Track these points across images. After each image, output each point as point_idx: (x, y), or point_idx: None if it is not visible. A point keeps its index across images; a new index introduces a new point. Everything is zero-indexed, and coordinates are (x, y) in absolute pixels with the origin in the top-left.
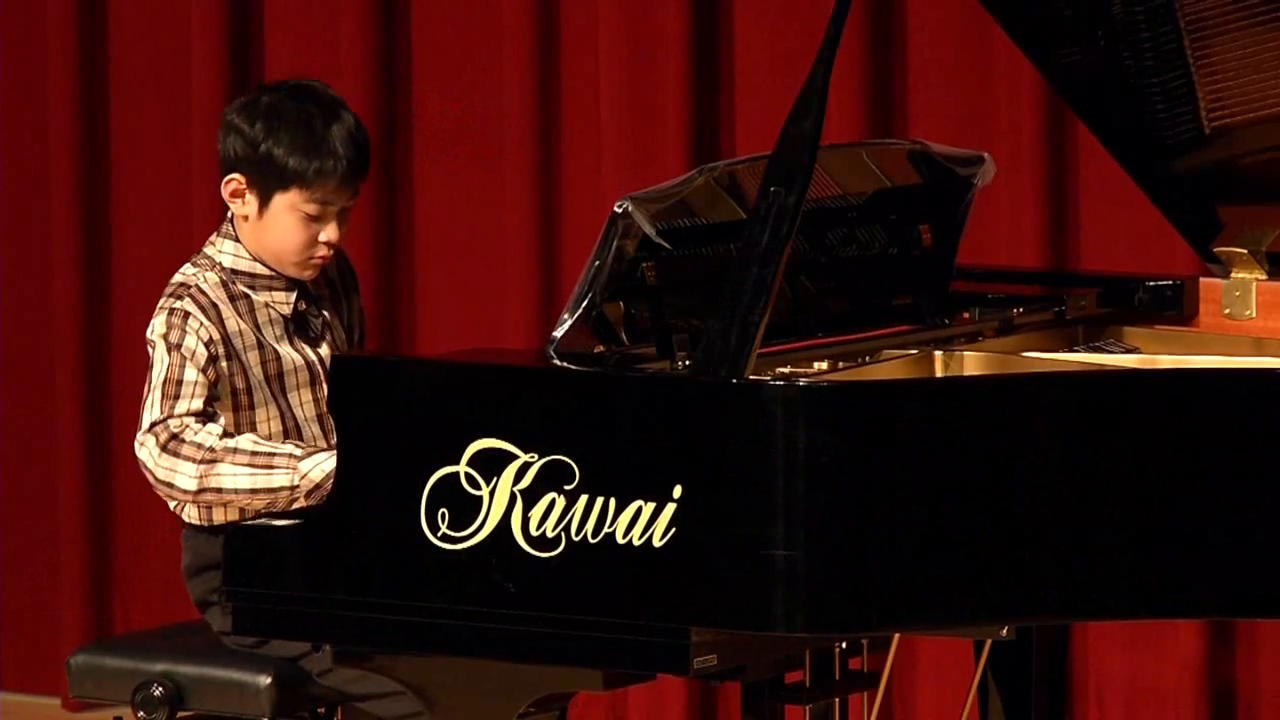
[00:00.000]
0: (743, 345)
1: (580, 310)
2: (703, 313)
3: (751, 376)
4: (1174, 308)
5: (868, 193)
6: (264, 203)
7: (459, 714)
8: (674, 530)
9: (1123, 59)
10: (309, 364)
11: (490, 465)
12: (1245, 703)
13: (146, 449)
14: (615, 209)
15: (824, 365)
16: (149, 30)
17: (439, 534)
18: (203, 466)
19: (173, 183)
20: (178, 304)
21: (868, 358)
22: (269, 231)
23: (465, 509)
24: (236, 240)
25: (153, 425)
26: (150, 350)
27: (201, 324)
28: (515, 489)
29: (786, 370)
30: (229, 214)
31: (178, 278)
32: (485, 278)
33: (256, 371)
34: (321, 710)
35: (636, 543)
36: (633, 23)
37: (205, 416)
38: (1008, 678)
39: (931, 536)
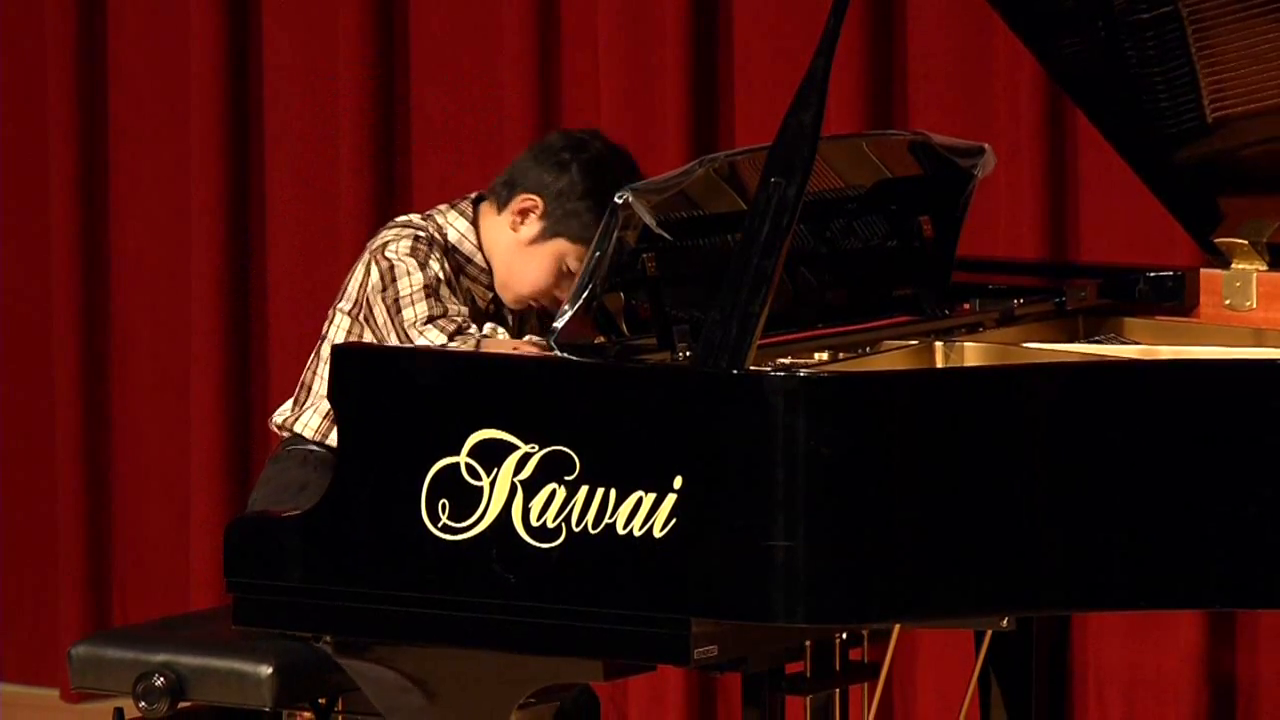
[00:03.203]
0: (743, 336)
1: (581, 301)
2: (703, 304)
3: (752, 367)
4: (1174, 299)
5: (868, 184)
6: (544, 237)
7: (459, 705)
8: (674, 521)
9: (1124, 50)
10: None
11: (491, 456)
12: (1245, 694)
13: (426, 339)
14: (616, 200)
15: (824, 356)
16: (148, 26)
17: (439, 525)
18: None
19: (172, 178)
20: (422, 234)
21: (868, 349)
22: (527, 261)
23: (466, 499)
24: (472, 224)
25: (433, 318)
26: (381, 273)
27: (439, 255)
28: (516, 479)
29: (787, 361)
30: (478, 199)
31: (413, 218)
32: None
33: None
34: (322, 701)
35: (637, 533)
36: (632, 17)
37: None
38: (1008, 669)
39: (932, 527)
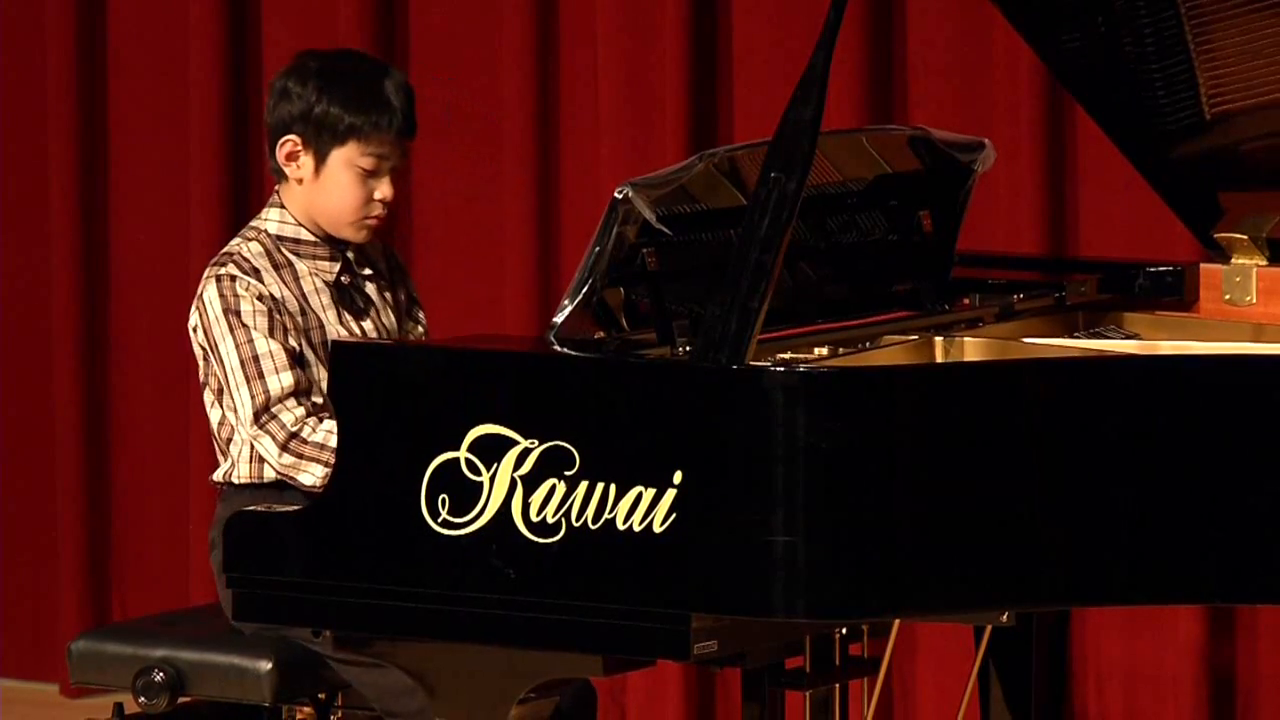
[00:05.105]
0: (743, 331)
1: (581, 296)
2: (703, 299)
3: (751, 362)
4: (1174, 293)
5: (868, 179)
6: (320, 161)
7: (459, 700)
8: (674, 516)
9: (1123, 45)
10: (352, 336)
11: (491, 451)
12: (1245, 688)
13: (263, 445)
14: (616, 195)
15: (824, 351)
16: (147, 19)
17: (439, 520)
18: (327, 469)
19: (171, 172)
20: (222, 270)
21: (868, 344)
22: (325, 191)
23: (466, 495)
24: (282, 207)
25: (260, 418)
26: (205, 334)
27: (249, 283)
28: (516, 475)
29: (787, 356)
30: (276, 187)
31: (233, 242)
32: (484, 265)
33: (304, 336)
34: (322, 696)
35: (637, 529)
36: (631, 11)
37: (301, 394)
38: (1008, 664)
39: (931, 522)
